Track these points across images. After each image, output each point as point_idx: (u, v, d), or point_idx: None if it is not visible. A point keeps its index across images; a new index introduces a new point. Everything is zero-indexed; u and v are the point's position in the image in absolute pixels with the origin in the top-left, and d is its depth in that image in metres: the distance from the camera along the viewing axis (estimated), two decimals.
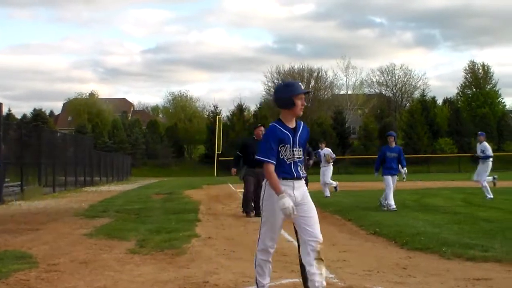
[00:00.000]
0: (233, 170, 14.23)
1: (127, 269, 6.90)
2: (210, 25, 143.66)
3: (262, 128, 13.51)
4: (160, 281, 6.15)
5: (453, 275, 6.40)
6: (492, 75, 79.09)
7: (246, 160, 13.29)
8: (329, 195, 19.04)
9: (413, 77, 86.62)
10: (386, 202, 14.17)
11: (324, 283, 5.20)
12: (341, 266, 7.03)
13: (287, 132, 5.18)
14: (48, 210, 15.85)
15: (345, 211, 13.54)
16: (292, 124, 5.23)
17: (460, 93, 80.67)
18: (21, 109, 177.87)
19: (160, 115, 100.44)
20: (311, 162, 16.47)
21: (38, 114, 75.46)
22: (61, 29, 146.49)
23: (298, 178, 5.38)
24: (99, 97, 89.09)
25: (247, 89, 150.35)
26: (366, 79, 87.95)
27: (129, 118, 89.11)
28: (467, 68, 79.79)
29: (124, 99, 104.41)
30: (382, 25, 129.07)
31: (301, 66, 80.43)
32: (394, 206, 13.97)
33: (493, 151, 71.74)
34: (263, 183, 5.36)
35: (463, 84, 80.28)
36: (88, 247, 8.70)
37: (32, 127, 33.87)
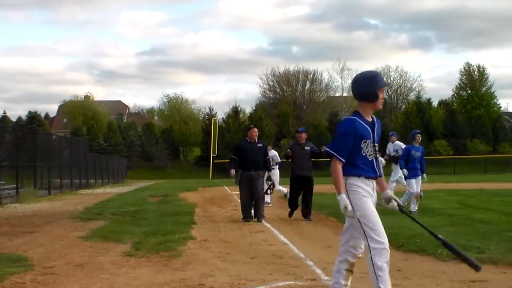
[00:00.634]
0: (232, 170, 13.30)
1: (122, 272, 6.89)
2: (205, 27, 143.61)
3: (256, 130, 13.32)
4: (156, 284, 6.14)
5: (449, 277, 6.41)
6: (488, 77, 79.33)
7: (241, 163, 12.95)
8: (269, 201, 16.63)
9: (408, 79, 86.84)
10: (412, 206, 13.96)
11: None
12: None
13: (367, 127, 4.85)
14: (43, 212, 15.82)
15: (340, 213, 13.46)
16: (370, 118, 4.93)
17: (455, 95, 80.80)
18: (16, 111, 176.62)
19: (156, 118, 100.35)
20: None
21: (33, 117, 75.26)
22: (55, 31, 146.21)
23: (379, 177, 5.04)
24: (95, 99, 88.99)
25: (242, 91, 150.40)
26: None
27: (125, 120, 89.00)
28: (463, 70, 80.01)
29: (119, 101, 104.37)
30: (377, 27, 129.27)
31: (296, 68, 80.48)
32: (416, 210, 13.88)
33: (489, 153, 71.44)
34: (345, 183, 4.85)
35: (458, 86, 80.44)
36: (84, 250, 8.69)
37: (28, 129, 33.89)
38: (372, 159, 4.92)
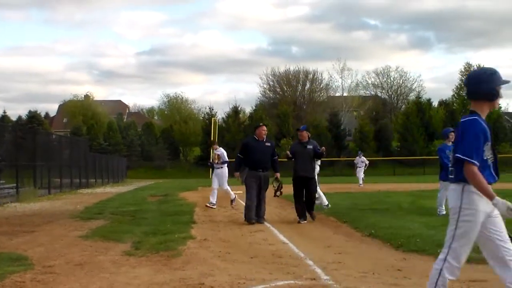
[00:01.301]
0: (236, 174, 13.05)
1: (122, 271, 6.89)
2: (204, 28, 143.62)
3: (265, 128, 12.77)
4: (156, 283, 6.15)
5: None
6: None
7: (248, 162, 12.49)
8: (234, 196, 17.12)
9: (408, 79, 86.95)
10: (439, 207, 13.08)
11: None
12: (336, 268, 7.04)
13: (488, 128, 4.52)
14: (43, 212, 15.83)
15: (340, 213, 13.54)
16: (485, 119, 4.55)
17: (455, 95, 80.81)
18: (16, 111, 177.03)
19: (156, 117, 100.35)
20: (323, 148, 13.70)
21: (33, 116, 75.25)
22: (54, 31, 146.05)
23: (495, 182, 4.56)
24: (95, 99, 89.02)
25: (242, 91, 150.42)
26: (362, 81, 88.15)
27: (125, 120, 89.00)
28: (463, 70, 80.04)
29: (119, 101, 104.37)
30: (377, 27, 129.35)
31: (296, 68, 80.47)
32: (445, 212, 12.76)
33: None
34: (458, 188, 4.49)
35: (458, 86, 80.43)
36: (84, 249, 8.69)
37: (28, 129, 33.88)
38: (490, 163, 4.64)
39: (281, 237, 10.11)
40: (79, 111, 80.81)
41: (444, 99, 79.88)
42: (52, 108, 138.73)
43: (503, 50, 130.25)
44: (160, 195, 23.08)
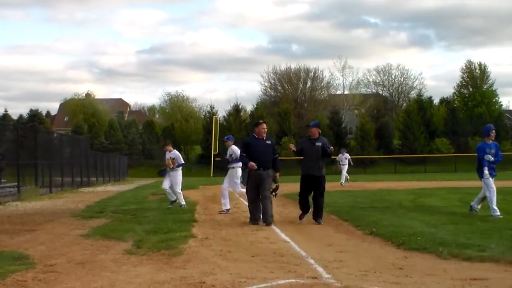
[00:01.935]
0: (251, 164, 11.84)
1: (123, 270, 6.89)
2: (205, 26, 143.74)
3: (265, 125, 12.23)
4: (157, 282, 6.15)
5: (450, 275, 6.41)
6: (489, 75, 79.27)
7: (249, 161, 11.93)
8: (184, 202, 15.92)
9: (409, 77, 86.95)
10: (492, 207, 12.54)
11: None
12: (337, 266, 7.04)
13: None
14: (44, 210, 15.84)
15: (341, 212, 13.54)
16: None
17: (456, 92, 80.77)
18: (17, 109, 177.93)
19: (157, 115, 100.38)
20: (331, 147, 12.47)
21: (34, 115, 75.30)
22: (54, 30, 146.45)
23: None
24: (96, 97, 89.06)
25: (242, 89, 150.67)
26: (363, 79, 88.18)
27: (126, 118, 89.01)
28: (464, 67, 79.95)
29: (120, 99, 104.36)
30: (377, 25, 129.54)
31: (297, 66, 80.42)
32: (499, 213, 12.27)
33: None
34: None
35: (459, 84, 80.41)
36: (85, 248, 8.70)
37: (29, 127, 33.85)
38: None
39: (283, 235, 10.10)
40: (80, 110, 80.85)
41: (445, 96, 79.92)
42: (53, 107, 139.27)
43: (503, 48, 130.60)
44: (161, 194, 23.03)
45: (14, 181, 20.68)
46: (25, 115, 77.84)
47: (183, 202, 15.84)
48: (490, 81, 78.96)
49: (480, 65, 79.36)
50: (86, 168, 34.53)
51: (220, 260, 7.51)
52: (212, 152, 62.22)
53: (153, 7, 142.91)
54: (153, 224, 11.44)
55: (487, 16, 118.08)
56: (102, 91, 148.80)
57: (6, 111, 78.02)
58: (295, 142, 66.40)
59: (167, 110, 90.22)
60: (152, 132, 76.47)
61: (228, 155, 15.05)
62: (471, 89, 78.30)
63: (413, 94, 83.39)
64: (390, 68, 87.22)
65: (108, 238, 9.70)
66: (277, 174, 12.46)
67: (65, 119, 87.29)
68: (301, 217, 12.31)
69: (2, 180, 20.80)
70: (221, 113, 78.52)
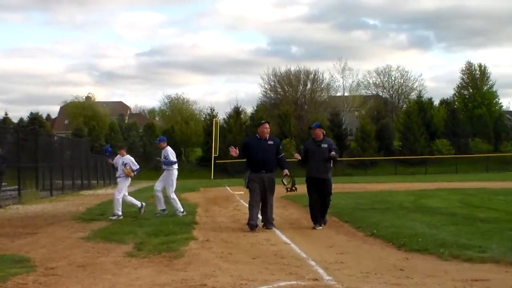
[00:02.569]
0: (233, 149, 11.48)
1: (124, 272, 6.90)
2: (204, 28, 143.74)
3: (267, 125, 11.69)
4: (158, 284, 6.15)
5: (451, 276, 6.41)
6: (489, 76, 79.31)
7: (250, 163, 11.46)
8: (120, 213, 14.24)
9: (409, 78, 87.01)
10: None
11: None
12: (338, 268, 7.04)
13: None
14: (45, 213, 15.84)
15: (342, 213, 13.54)
16: None
17: (456, 94, 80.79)
18: (18, 113, 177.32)
19: (157, 118, 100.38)
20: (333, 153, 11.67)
21: (35, 118, 75.32)
22: (54, 33, 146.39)
23: None
24: (96, 100, 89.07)
25: (242, 91, 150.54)
26: (363, 80, 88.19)
27: (126, 121, 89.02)
28: (464, 69, 79.99)
29: (121, 102, 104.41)
30: (376, 27, 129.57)
31: (297, 68, 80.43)
32: None
33: (490, 152, 71.24)
34: None
35: (459, 85, 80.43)
36: (86, 251, 8.70)
37: (29, 130, 33.85)
38: None
39: (283, 237, 10.10)
40: (80, 113, 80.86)
41: (445, 98, 79.96)
42: (53, 110, 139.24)
43: (503, 49, 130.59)
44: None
45: (15, 184, 20.67)
46: (25, 118, 77.85)
47: (181, 209, 14.56)
48: (490, 82, 79.05)
49: (480, 66, 79.42)
50: (87, 170, 34.54)
51: (221, 262, 7.51)
52: (213, 155, 62.20)
53: (153, 9, 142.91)
54: (154, 227, 11.44)
55: (486, 17, 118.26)
56: (102, 94, 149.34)
57: (6, 114, 78.04)
58: (296, 144, 66.49)
59: (167, 113, 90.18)
60: (153, 134, 76.35)
61: (162, 156, 14.43)
62: (471, 90, 78.31)
63: (413, 95, 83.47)
64: (390, 70, 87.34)
65: (109, 240, 9.70)
66: (286, 171, 11.88)
67: (65, 122, 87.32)
68: (314, 227, 11.45)
69: (3, 183, 20.78)
70: (221, 115, 78.51)
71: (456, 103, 79.03)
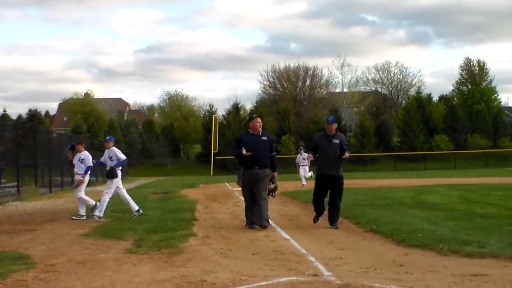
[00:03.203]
0: (244, 152, 10.86)
1: (124, 269, 6.90)
2: (202, 25, 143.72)
3: (259, 120, 11.16)
4: (158, 281, 6.15)
5: (450, 272, 6.42)
6: (488, 72, 79.28)
7: (243, 160, 10.95)
8: (84, 214, 13.54)
9: (408, 74, 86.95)
10: None
11: None
12: (338, 263, 7.05)
13: None
14: (44, 210, 15.84)
15: (341, 209, 13.49)
16: None
17: (455, 89, 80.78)
18: (16, 109, 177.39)
19: (156, 115, 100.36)
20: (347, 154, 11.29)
21: (33, 115, 75.22)
22: (52, 30, 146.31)
23: None
24: (95, 97, 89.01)
25: (241, 88, 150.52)
26: (362, 76, 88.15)
27: (125, 117, 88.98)
28: (463, 65, 79.95)
29: (120, 98, 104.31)
30: (375, 23, 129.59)
31: (296, 65, 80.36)
32: None
33: (489, 147, 70.92)
34: None
35: (458, 81, 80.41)
36: (85, 247, 8.70)
37: (28, 127, 33.82)
38: None
39: (283, 233, 10.11)
40: (79, 109, 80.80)
41: (444, 94, 79.99)
42: (52, 107, 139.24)
43: (501, 44, 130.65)
44: (161, 193, 23.08)
45: (14, 181, 20.67)
46: (24, 115, 77.78)
47: (93, 203, 13.64)
48: (489, 78, 79.03)
49: (479, 62, 79.38)
50: None
51: (220, 258, 7.51)
52: (212, 151, 62.22)
53: (150, 6, 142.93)
54: (153, 223, 11.45)
55: (485, 13, 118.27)
56: (101, 91, 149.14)
57: (5, 111, 77.86)
58: (294, 140, 66.50)
59: (166, 109, 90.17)
60: (152, 131, 76.39)
61: (108, 157, 13.51)
62: (470, 86, 78.29)
63: (412, 91, 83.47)
64: (389, 66, 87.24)
65: (108, 237, 9.70)
66: (275, 174, 11.35)
67: (64, 119, 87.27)
68: (315, 220, 11.27)
69: (2, 180, 20.79)
70: (220, 111, 78.55)
71: (455, 99, 79.04)
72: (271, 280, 6.05)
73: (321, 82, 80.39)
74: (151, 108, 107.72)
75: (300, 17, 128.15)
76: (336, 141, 10.99)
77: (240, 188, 11.54)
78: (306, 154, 22.95)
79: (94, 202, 13.78)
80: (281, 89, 79.87)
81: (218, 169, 59.53)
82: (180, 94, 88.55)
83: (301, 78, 79.25)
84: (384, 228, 9.95)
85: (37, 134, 24.69)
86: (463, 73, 79.63)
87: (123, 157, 13.59)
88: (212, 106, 76.73)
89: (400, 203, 14.99)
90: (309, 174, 26.36)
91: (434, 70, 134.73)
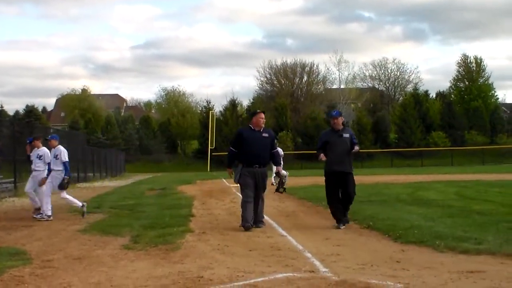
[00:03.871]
0: (229, 170, 10.89)
1: (121, 265, 6.90)
2: (199, 21, 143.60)
3: (263, 115, 10.58)
4: (155, 277, 6.15)
5: (447, 268, 6.42)
6: (485, 68, 79.37)
7: (242, 156, 10.36)
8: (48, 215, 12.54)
9: (405, 71, 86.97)
10: None
11: None
12: (335, 260, 7.05)
13: None
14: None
15: None
16: None
17: (452, 86, 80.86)
18: (13, 105, 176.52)
19: (153, 111, 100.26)
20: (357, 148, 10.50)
21: (30, 111, 75.09)
22: (49, 26, 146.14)
23: None
24: (92, 93, 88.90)
25: (238, 84, 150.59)
26: (359, 73, 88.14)
27: (122, 113, 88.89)
28: (460, 61, 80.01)
29: (117, 94, 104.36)
30: (371, 19, 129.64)
31: (293, 61, 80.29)
32: None
33: (486, 144, 71.12)
34: None
35: (455, 78, 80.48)
36: (82, 243, 8.70)
37: (25, 123, 33.78)
38: None
39: (280, 229, 10.11)
40: (76, 105, 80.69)
41: (441, 90, 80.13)
42: (49, 103, 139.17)
43: (497, 41, 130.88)
44: (158, 189, 23.08)
45: (11, 177, 20.63)
46: (21, 111, 77.70)
47: (79, 204, 13.00)
48: (486, 75, 79.11)
49: (476, 58, 79.45)
50: (83, 163, 34.46)
51: (217, 255, 7.52)
52: (209, 147, 62.21)
53: (147, 2, 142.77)
54: (150, 219, 11.44)
55: (481, 10, 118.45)
56: (98, 87, 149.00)
57: (2, 107, 77.74)
58: (292, 136, 66.53)
59: (163, 105, 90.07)
60: (149, 127, 76.37)
61: (53, 156, 12.80)
62: (467, 83, 78.36)
63: (409, 88, 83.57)
64: (386, 62, 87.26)
65: (105, 233, 9.70)
66: (280, 168, 11.19)
67: (61, 115, 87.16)
68: (338, 226, 10.33)
69: None
70: (218, 108, 78.50)
71: (452, 95, 79.15)
72: (267, 276, 6.05)
73: (318, 78, 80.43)
74: (148, 104, 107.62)
75: (296, 13, 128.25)
76: (347, 135, 10.46)
77: (237, 185, 11.06)
78: (281, 150, 18.99)
79: (80, 203, 13.02)
80: (278, 85, 79.81)
81: (215, 165, 59.49)
82: (177, 90, 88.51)
83: (298, 74, 79.22)
84: (381, 224, 9.96)
85: (34, 130, 24.63)
86: (460, 69, 79.74)
87: (67, 158, 12.79)
88: (209, 102, 76.88)
89: (397, 200, 15.01)
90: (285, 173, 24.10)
91: (431, 66, 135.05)
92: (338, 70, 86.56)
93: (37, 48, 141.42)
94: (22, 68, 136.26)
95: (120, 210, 13.97)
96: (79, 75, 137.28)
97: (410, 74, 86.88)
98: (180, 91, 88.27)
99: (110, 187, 27.25)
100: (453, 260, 6.96)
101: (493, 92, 79.31)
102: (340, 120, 10.49)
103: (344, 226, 10.29)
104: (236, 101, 75.45)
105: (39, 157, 13.21)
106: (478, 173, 32.52)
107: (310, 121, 68.86)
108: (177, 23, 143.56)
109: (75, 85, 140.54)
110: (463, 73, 79.32)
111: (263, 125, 10.56)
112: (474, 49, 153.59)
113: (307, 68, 78.91)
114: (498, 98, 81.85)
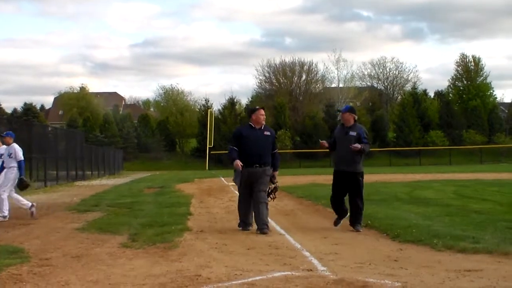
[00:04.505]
0: (237, 162, 9.64)
1: (119, 263, 6.89)
2: (198, 20, 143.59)
3: (263, 112, 10.00)
4: (153, 275, 6.15)
5: (444, 267, 6.43)
6: (483, 68, 79.41)
7: (241, 155, 9.69)
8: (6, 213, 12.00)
9: (404, 70, 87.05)
10: None
11: None
12: (333, 258, 7.05)
13: None
14: (39, 204, 15.76)
15: None
16: None
17: (451, 85, 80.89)
18: (11, 103, 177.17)
19: (152, 109, 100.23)
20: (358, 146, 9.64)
21: (29, 109, 75.08)
22: (47, 23, 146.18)
23: None
24: (90, 91, 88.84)
25: (236, 83, 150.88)
26: (358, 72, 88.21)
27: (121, 112, 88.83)
28: (459, 60, 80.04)
29: (115, 93, 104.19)
30: (369, 18, 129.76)
31: (292, 60, 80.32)
32: None
33: (484, 143, 71.33)
34: None
35: (454, 77, 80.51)
36: (80, 241, 8.69)
37: (23, 121, 33.76)
38: None
39: (278, 228, 10.11)
40: (74, 103, 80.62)
41: (439, 89, 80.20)
42: (47, 101, 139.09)
43: (496, 40, 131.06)
44: (156, 187, 23.08)
45: None
46: (19, 108, 77.64)
47: (28, 204, 12.33)
48: (485, 74, 79.14)
49: (474, 58, 79.48)
50: (81, 161, 34.48)
51: (215, 253, 7.52)
52: (208, 145, 62.22)
53: (146, 0, 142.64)
54: (148, 218, 11.44)
55: (479, 9, 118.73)
56: (96, 85, 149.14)
57: (0, 104, 77.74)
58: (290, 135, 66.54)
59: (162, 104, 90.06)
60: (147, 125, 76.35)
61: (7, 154, 12.24)
62: (465, 82, 78.39)
63: (408, 87, 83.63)
64: (385, 61, 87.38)
65: (103, 231, 9.69)
66: (276, 173, 10.25)
67: (59, 113, 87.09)
68: (336, 223, 10.09)
69: None
70: (216, 106, 78.53)
71: (451, 94, 79.19)
72: (266, 274, 6.05)
73: (317, 77, 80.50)
74: (146, 102, 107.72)
75: (295, 12, 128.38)
76: (353, 133, 9.72)
77: (236, 185, 10.55)
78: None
79: (29, 203, 12.36)
80: (276, 84, 79.87)
81: (213, 163, 59.55)
82: (176, 88, 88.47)
83: (296, 73, 79.28)
84: (379, 223, 9.96)
85: (32, 128, 24.64)
86: (458, 69, 79.76)
87: (22, 157, 12.30)
88: (208, 101, 76.98)
89: (395, 199, 15.02)
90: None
91: (429, 66, 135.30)
92: (337, 69, 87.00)
93: (35, 46, 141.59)
94: (20, 66, 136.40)
95: (118, 208, 13.96)
96: (78, 73, 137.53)
97: (409, 73, 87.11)
98: (178, 90, 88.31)
99: (108, 185, 27.24)
100: (451, 258, 6.97)
101: (491, 91, 79.38)
102: (348, 116, 9.83)
103: (338, 225, 10.02)
104: (235, 100, 75.56)
105: (9, 154, 12.41)
106: (476, 172, 32.57)
107: (309, 120, 68.91)
108: (175, 22, 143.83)
109: (74, 83, 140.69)
110: (462, 72, 79.36)
111: (264, 122, 10.02)
112: (472, 48, 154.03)
113: (305, 67, 79.05)
114: (496, 98, 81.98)
